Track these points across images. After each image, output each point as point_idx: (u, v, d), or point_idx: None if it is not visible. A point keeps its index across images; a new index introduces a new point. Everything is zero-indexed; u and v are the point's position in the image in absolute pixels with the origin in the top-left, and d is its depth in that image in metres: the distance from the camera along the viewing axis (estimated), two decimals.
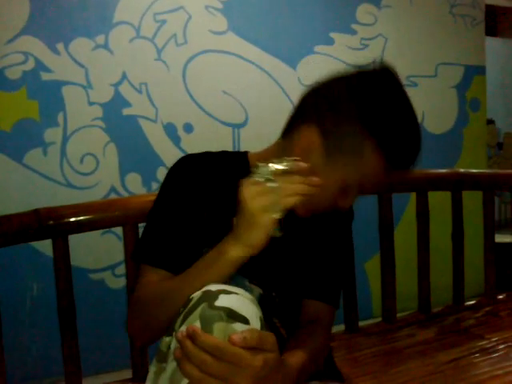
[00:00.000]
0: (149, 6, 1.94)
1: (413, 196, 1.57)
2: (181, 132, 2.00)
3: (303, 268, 0.90)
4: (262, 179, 0.68)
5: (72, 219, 1.14)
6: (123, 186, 1.93)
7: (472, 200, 1.70)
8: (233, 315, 0.61)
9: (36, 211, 1.11)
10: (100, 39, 1.88)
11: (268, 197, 0.67)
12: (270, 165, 0.68)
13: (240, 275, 0.84)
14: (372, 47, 2.33)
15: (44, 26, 1.80)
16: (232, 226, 0.84)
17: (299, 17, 2.18)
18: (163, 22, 1.97)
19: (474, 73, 2.57)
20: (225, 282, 0.79)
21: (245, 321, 0.61)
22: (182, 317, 0.63)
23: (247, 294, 0.66)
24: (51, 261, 1.15)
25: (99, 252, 1.88)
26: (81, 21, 1.85)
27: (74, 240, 1.18)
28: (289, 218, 0.86)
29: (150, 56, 1.96)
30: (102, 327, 1.84)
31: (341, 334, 1.38)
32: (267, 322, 0.84)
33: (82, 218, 1.15)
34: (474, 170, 1.80)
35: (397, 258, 1.49)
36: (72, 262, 1.17)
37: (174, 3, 1.98)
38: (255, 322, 0.63)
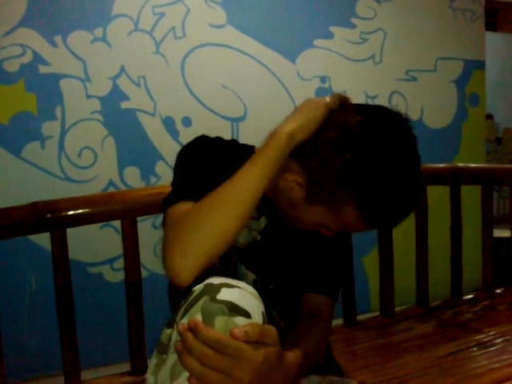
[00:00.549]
0: None
1: None
2: (179, 126, 2.00)
3: (301, 261, 0.90)
4: None
5: (70, 212, 1.14)
6: (122, 179, 1.93)
7: (471, 195, 1.70)
8: (235, 309, 0.61)
9: (34, 204, 1.11)
10: (98, 32, 1.86)
11: None
12: None
13: (238, 261, 0.85)
14: (371, 41, 2.32)
15: (42, 18, 1.79)
16: None
17: (299, 10, 2.17)
18: (162, 15, 1.96)
19: (473, 67, 2.56)
20: (224, 268, 0.82)
21: (247, 315, 0.61)
22: (183, 309, 0.63)
23: (250, 288, 0.66)
24: (49, 254, 1.15)
25: (98, 246, 1.88)
26: (79, 13, 1.84)
27: (72, 233, 1.18)
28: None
29: (149, 49, 1.95)
30: (100, 321, 1.85)
31: (339, 328, 1.39)
32: (266, 314, 0.85)
33: (80, 211, 1.15)
34: (473, 165, 1.80)
35: (395, 253, 1.49)
36: (70, 256, 1.17)
37: None
38: (257, 317, 0.63)
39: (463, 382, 1.11)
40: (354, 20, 2.28)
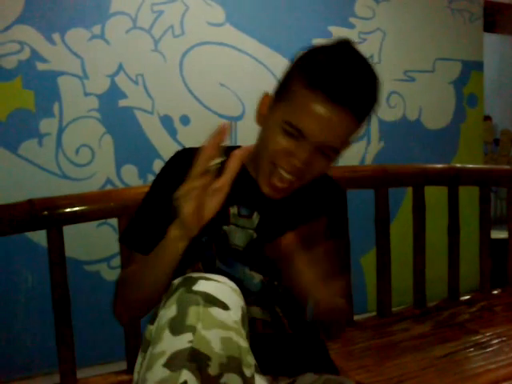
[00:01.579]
0: None
1: (409, 191, 1.57)
2: (177, 124, 1.99)
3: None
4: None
5: (67, 210, 1.13)
6: (119, 177, 1.92)
7: (468, 195, 1.71)
8: (211, 300, 0.62)
9: (30, 201, 1.10)
10: (96, 29, 1.86)
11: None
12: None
13: (240, 263, 0.85)
14: (370, 41, 2.32)
15: (40, 15, 1.78)
16: (227, 216, 0.85)
17: (297, 9, 2.17)
18: (160, 12, 1.95)
19: (471, 68, 2.57)
20: (224, 267, 0.82)
21: (224, 306, 0.62)
22: (163, 302, 0.65)
23: (231, 284, 0.67)
24: (46, 252, 1.15)
25: (95, 244, 1.87)
26: (77, 10, 1.83)
27: (69, 231, 1.17)
28: (283, 209, 0.86)
29: (147, 47, 1.94)
30: (97, 319, 1.84)
31: None
32: (269, 310, 0.85)
33: (77, 208, 1.14)
34: (471, 166, 1.80)
35: (392, 253, 1.49)
36: (67, 254, 1.16)
37: None
38: (236, 310, 0.64)
39: (460, 383, 1.11)
40: (352, 20, 2.28)
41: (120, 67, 1.90)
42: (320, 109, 0.76)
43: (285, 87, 0.82)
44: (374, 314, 1.50)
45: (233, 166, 0.68)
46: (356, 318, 1.44)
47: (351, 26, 2.28)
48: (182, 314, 0.61)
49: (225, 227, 0.86)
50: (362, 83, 0.78)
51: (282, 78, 0.84)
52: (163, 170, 0.91)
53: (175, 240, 0.72)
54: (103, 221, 1.78)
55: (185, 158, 0.88)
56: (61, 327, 1.14)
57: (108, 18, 1.87)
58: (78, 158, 1.87)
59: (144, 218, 0.88)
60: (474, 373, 1.15)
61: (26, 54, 1.77)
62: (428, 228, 1.54)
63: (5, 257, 1.75)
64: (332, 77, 0.76)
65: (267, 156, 0.81)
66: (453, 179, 1.58)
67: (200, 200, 0.68)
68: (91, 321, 1.81)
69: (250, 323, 0.83)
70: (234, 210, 0.87)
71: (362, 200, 1.54)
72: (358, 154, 2.31)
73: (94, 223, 1.69)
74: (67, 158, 1.85)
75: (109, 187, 1.90)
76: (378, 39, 2.34)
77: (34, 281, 1.81)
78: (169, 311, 0.62)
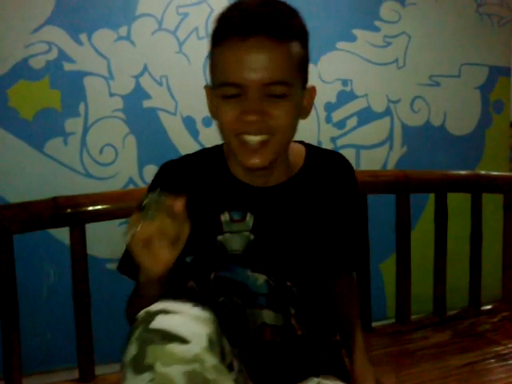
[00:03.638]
0: None
1: (432, 197, 1.55)
2: (199, 125, 2.00)
3: (309, 243, 0.86)
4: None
5: (89, 208, 1.15)
6: (141, 177, 1.94)
7: (492, 203, 1.67)
8: (167, 336, 0.61)
9: (54, 199, 1.13)
10: (123, 31, 1.88)
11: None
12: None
13: (240, 266, 0.83)
14: (395, 45, 2.29)
15: (68, 16, 1.81)
16: (219, 225, 0.83)
17: (322, 13, 2.16)
18: (186, 15, 1.97)
19: (498, 74, 2.52)
20: (224, 273, 0.81)
21: (182, 341, 0.61)
22: (127, 338, 0.66)
23: (194, 311, 0.66)
24: (68, 249, 1.17)
25: (116, 242, 1.89)
26: (104, 12, 1.86)
27: (91, 229, 1.19)
28: (277, 204, 0.84)
29: (172, 49, 1.96)
30: (116, 317, 1.86)
31: None
32: (283, 312, 0.83)
33: (99, 207, 1.16)
34: (495, 173, 1.77)
35: (413, 260, 1.48)
36: (89, 251, 1.18)
37: None
38: (198, 340, 0.62)
39: None
40: (377, 23, 2.26)
41: (145, 68, 1.92)
42: (237, 51, 0.73)
43: (211, 66, 0.81)
44: (393, 320, 1.48)
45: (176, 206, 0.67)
46: (374, 324, 1.43)
47: (376, 30, 2.26)
48: (141, 353, 0.61)
49: (219, 237, 0.83)
50: (262, 6, 0.75)
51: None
52: (152, 188, 0.87)
53: (146, 285, 0.74)
54: (125, 220, 1.80)
55: (169, 175, 0.89)
56: (80, 323, 1.16)
57: (134, 20, 1.90)
58: (102, 157, 1.90)
59: None
60: None
61: (53, 55, 1.81)
62: (450, 235, 1.52)
63: (29, 253, 1.78)
64: (229, 19, 0.76)
65: (227, 133, 0.79)
66: (476, 186, 1.55)
67: (153, 246, 0.66)
68: (111, 318, 1.83)
69: (259, 330, 0.82)
70: (225, 217, 0.84)
71: (382, 205, 1.53)
72: (380, 159, 2.29)
73: (116, 222, 1.71)
74: (91, 157, 1.89)
75: (131, 187, 1.92)
76: (404, 43, 2.32)
77: (55, 277, 1.84)
78: (131, 349, 0.63)
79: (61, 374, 1.78)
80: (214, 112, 0.83)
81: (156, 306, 0.66)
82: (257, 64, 0.72)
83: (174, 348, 0.60)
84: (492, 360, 1.24)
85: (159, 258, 0.67)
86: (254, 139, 0.75)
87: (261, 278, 0.83)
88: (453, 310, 1.54)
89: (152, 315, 0.64)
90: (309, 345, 0.87)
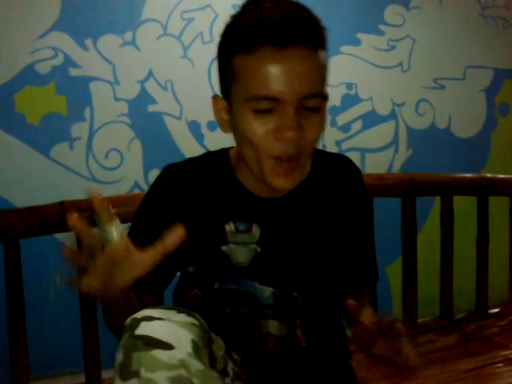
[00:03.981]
0: (176, 3, 1.95)
1: (438, 200, 1.55)
2: (204, 130, 2.01)
3: (317, 254, 0.84)
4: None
5: None
6: (146, 181, 1.95)
7: (498, 206, 1.67)
8: (151, 342, 0.61)
9: (61, 203, 1.13)
10: (128, 36, 1.90)
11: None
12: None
13: (247, 279, 0.82)
14: (399, 48, 2.29)
15: (74, 22, 1.83)
16: (224, 235, 0.81)
17: (326, 16, 2.14)
18: (190, 20, 1.98)
19: (504, 77, 2.51)
20: (231, 286, 0.80)
21: (167, 346, 0.61)
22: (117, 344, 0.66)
23: (179, 317, 0.65)
24: None
25: None
26: (110, 17, 1.87)
27: None
28: (284, 214, 0.82)
29: (177, 53, 1.97)
30: None
31: None
32: (288, 323, 0.83)
33: None
34: (502, 176, 1.76)
35: (419, 263, 1.47)
36: None
37: (202, 2, 1.98)
38: (184, 346, 0.62)
39: None
40: (382, 27, 2.27)
41: (150, 73, 1.93)
42: (274, 62, 0.66)
43: (228, 75, 0.73)
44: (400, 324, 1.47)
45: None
46: None
47: (380, 33, 2.26)
48: (127, 360, 0.61)
49: (223, 248, 0.81)
50: (293, 12, 0.69)
51: (220, 72, 0.77)
52: (152, 194, 0.87)
53: (105, 300, 0.74)
54: (130, 224, 1.81)
55: (171, 178, 0.86)
56: (87, 328, 1.16)
57: (139, 25, 1.91)
58: (108, 161, 1.91)
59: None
60: None
61: (59, 60, 1.82)
62: (456, 238, 1.51)
63: (35, 257, 1.79)
64: (263, 25, 0.67)
65: (257, 153, 0.71)
66: (482, 189, 1.54)
67: (106, 271, 0.64)
68: None
69: (262, 339, 0.82)
70: (230, 227, 0.81)
71: (387, 208, 1.53)
72: (385, 162, 2.29)
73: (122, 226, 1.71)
74: (97, 162, 1.89)
75: (136, 191, 1.93)
76: (408, 46, 2.32)
77: (62, 282, 1.85)
78: (118, 356, 0.63)
79: (67, 378, 1.79)
80: (232, 124, 0.76)
81: (141, 313, 0.65)
82: (295, 76, 0.67)
83: (159, 354, 0.60)
84: (500, 364, 1.23)
85: (117, 275, 0.65)
86: (289, 158, 0.70)
87: (268, 291, 0.82)
88: (460, 314, 1.53)
89: (137, 322, 0.64)
90: (313, 355, 0.86)
